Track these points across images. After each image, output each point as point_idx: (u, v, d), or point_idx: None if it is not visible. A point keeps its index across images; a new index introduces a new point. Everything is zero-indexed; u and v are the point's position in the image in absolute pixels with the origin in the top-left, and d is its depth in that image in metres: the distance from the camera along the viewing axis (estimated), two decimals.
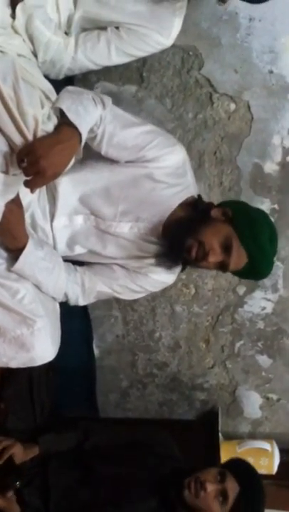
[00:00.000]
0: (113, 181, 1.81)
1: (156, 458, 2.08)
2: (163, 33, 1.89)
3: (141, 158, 1.78)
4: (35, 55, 1.80)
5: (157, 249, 1.86)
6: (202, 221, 1.77)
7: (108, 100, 1.72)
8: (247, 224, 1.78)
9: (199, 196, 1.89)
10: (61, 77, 1.90)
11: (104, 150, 1.75)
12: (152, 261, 1.87)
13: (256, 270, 1.82)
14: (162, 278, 1.93)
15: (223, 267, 1.78)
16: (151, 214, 1.82)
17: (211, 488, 1.88)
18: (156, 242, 1.84)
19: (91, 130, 1.67)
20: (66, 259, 1.90)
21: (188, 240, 1.74)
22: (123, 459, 2.06)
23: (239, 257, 1.75)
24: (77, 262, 1.93)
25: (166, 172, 1.80)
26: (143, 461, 2.06)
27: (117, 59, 1.92)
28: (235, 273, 1.86)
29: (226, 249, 1.74)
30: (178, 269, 1.94)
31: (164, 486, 1.98)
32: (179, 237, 1.76)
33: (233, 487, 1.90)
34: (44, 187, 1.79)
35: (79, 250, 1.88)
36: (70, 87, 1.71)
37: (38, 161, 1.49)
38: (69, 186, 1.80)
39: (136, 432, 2.20)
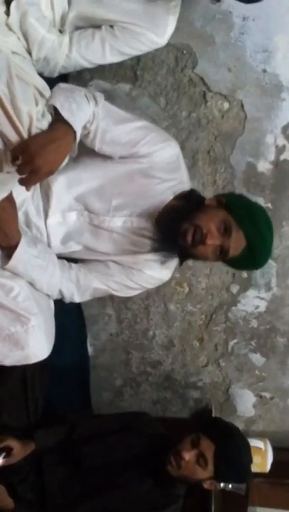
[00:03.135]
0: (107, 178, 1.81)
1: (144, 438, 2.12)
2: (157, 32, 1.89)
3: (134, 154, 1.78)
4: (29, 52, 1.80)
5: (151, 244, 1.85)
6: (196, 209, 1.77)
7: (100, 97, 1.72)
8: (243, 208, 1.77)
9: (192, 189, 1.88)
10: (55, 74, 1.90)
11: (97, 146, 1.76)
12: (147, 256, 1.87)
13: (255, 254, 1.77)
14: (157, 274, 1.92)
15: (222, 252, 1.73)
16: (144, 208, 1.82)
17: (188, 455, 1.94)
18: (150, 237, 1.84)
19: (84, 127, 1.68)
20: (61, 257, 1.90)
21: (184, 225, 1.72)
22: (111, 446, 2.09)
23: (238, 240, 1.72)
24: (72, 260, 1.93)
25: (160, 167, 1.81)
26: (131, 444, 2.10)
27: (111, 57, 1.92)
28: (232, 261, 1.80)
29: (224, 231, 1.71)
30: (173, 264, 1.93)
31: (155, 466, 2.02)
32: (173, 224, 1.74)
33: (208, 447, 1.95)
34: (38, 184, 1.80)
35: (73, 247, 1.88)
36: (62, 84, 1.72)
37: (32, 159, 1.49)
38: (63, 185, 1.81)
39: (121, 418, 2.24)
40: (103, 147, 1.77)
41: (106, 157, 1.80)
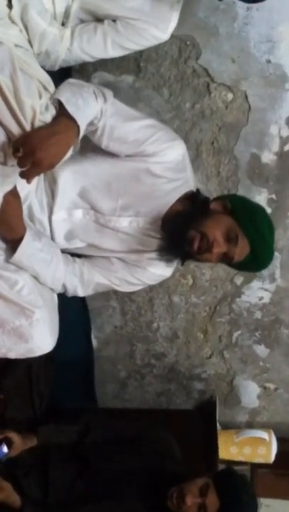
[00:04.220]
0: (113, 175, 1.80)
1: (156, 457, 2.09)
2: (160, 27, 1.86)
3: (141, 153, 1.77)
4: (31, 45, 1.79)
5: (156, 243, 1.85)
6: (202, 214, 1.77)
7: (109, 93, 1.71)
8: (247, 215, 1.78)
9: (198, 190, 1.88)
10: (56, 68, 1.88)
11: (104, 144, 1.75)
12: (151, 255, 1.87)
13: (258, 260, 1.81)
14: (160, 271, 1.92)
15: (226, 258, 1.77)
16: (150, 208, 1.82)
17: (190, 501, 1.88)
18: (156, 236, 1.84)
19: (91, 123, 1.67)
20: (65, 252, 1.90)
21: (191, 232, 1.73)
22: (122, 455, 2.08)
23: (243, 248, 1.75)
24: (75, 254, 1.93)
25: (166, 167, 1.80)
26: (142, 459, 2.07)
27: (113, 52, 1.90)
28: (235, 265, 1.84)
29: (230, 240, 1.73)
30: (176, 262, 1.93)
31: (158, 488, 1.97)
32: (179, 230, 1.75)
33: (213, 502, 1.89)
34: (42, 179, 1.79)
35: (77, 244, 1.88)
36: (71, 80, 1.71)
37: (33, 151, 1.48)
38: (69, 180, 1.80)
39: (138, 428, 2.21)
40: (110, 144, 1.76)
41: (113, 154, 1.79)
